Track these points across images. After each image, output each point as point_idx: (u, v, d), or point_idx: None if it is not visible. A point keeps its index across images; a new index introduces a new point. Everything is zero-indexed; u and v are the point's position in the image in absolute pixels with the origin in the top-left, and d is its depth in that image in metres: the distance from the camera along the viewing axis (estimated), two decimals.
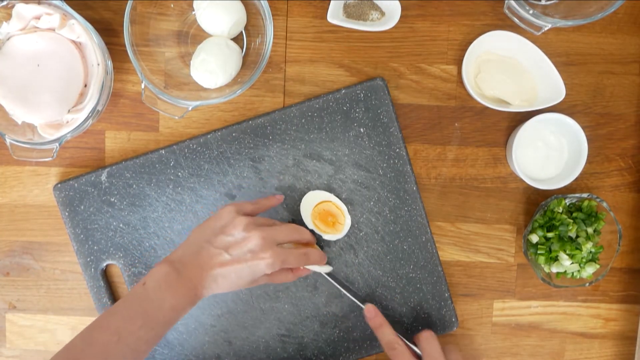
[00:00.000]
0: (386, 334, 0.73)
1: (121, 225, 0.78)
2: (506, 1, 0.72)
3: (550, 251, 0.76)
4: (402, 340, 0.72)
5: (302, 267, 0.74)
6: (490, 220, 0.80)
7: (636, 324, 0.81)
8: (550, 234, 0.75)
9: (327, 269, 0.76)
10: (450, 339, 0.81)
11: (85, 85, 0.74)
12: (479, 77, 0.78)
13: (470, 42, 0.76)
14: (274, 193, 0.78)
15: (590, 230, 0.76)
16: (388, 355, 0.72)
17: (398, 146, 0.77)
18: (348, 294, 0.77)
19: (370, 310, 0.74)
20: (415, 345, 0.73)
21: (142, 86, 0.72)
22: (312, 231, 0.78)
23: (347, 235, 0.78)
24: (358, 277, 0.78)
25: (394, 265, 0.78)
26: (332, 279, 0.77)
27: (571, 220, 0.75)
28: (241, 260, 0.66)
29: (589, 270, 0.76)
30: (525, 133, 0.76)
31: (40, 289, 0.81)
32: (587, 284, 0.76)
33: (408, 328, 0.79)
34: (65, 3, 0.70)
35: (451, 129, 0.79)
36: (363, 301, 0.77)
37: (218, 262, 0.65)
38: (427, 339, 0.72)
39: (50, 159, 0.73)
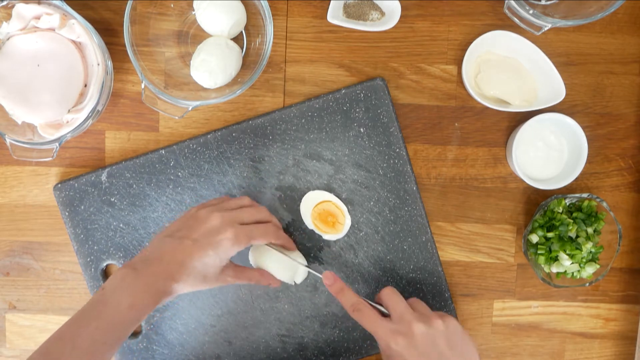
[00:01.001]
0: (348, 296, 0.69)
1: (121, 225, 0.79)
2: (506, 1, 0.72)
3: (550, 251, 0.76)
4: (366, 301, 0.69)
5: (270, 276, 0.73)
6: (490, 220, 0.80)
7: (636, 324, 0.81)
8: (550, 234, 0.75)
9: (302, 273, 0.76)
10: None
11: (85, 85, 0.74)
12: (479, 77, 0.78)
13: (470, 42, 0.76)
14: (274, 193, 0.78)
15: (590, 230, 0.76)
16: (354, 318, 0.68)
17: (398, 146, 0.78)
18: (309, 270, 0.75)
19: (328, 277, 0.70)
20: (380, 305, 0.70)
21: (142, 86, 0.72)
22: (312, 231, 0.78)
23: (347, 235, 0.78)
24: (358, 277, 0.78)
25: (394, 265, 0.78)
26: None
27: (571, 220, 0.75)
28: (203, 242, 0.64)
29: (589, 270, 0.76)
30: (525, 133, 0.76)
31: (40, 289, 0.81)
32: (587, 284, 0.76)
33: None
34: (65, 3, 0.70)
35: (451, 129, 0.79)
36: (320, 271, 0.74)
37: (179, 250, 0.64)
38: (390, 295, 0.69)
39: (50, 159, 0.73)
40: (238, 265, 0.70)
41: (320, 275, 0.73)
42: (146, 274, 0.63)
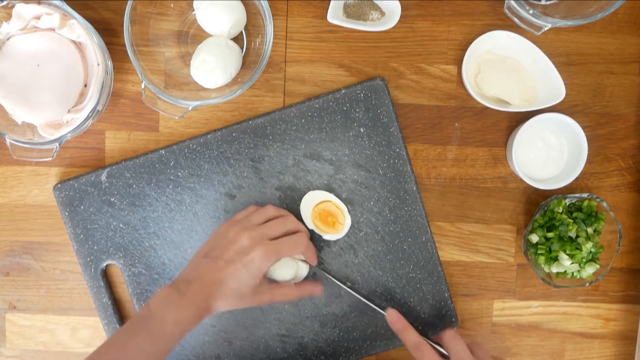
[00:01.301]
0: (411, 336, 0.72)
1: (121, 225, 0.79)
2: (506, 1, 0.72)
3: (550, 251, 0.76)
4: (427, 341, 0.72)
5: (307, 286, 0.74)
6: (490, 220, 0.80)
7: (636, 324, 0.81)
8: (550, 234, 0.75)
9: (303, 271, 0.76)
10: None
11: (85, 85, 0.74)
12: (479, 77, 0.78)
13: (470, 42, 0.76)
14: (273, 193, 0.78)
15: (590, 230, 0.76)
16: (415, 357, 0.71)
17: (398, 146, 0.77)
18: (369, 303, 0.76)
19: (392, 315, 0.74)
20: (439, 345, 0.72)
21: (142, 86, 0.72)
22: (312, 231, 0.78)
23: (347, 235, 0.78)
24: (358, 277, 0.78)
25: (394, 265, 0.78)
26: (354, 291, 0.77)
27: (571, 220, 0.75)
28: (235, 261, 0.68)
29: (589, 270, 0.76)
30: (525, 133, 0.76)
31: (40, 289, 0.81)
32: (587, 284, 0.76)
33: (422, 331, 0.78)
34: (65, 3, 0.70)
35: (451, 129, 0.79)
36: (382, 307, 0.76)
37: (214, 270, 0.68)
38: (453, 338, 0.71)
39: (50, 159, 0.73)
40: (274, 283, 0.73)
41: (383, 312, 0.75)
42: (187, 292, 0.67)
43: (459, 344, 0.70)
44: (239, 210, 0.78)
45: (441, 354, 0.71)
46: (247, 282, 0.68)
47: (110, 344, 0.65)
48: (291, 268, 0.74)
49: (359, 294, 0.77)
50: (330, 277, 0.77)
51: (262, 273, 0.69)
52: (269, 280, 0.74)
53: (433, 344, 0.72)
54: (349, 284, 0.78)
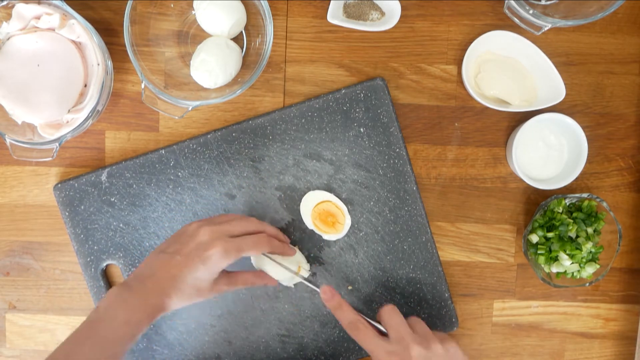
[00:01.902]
0: (346, 313, 0.68)
1: (121, 225, 0.79)
2: (506, 1, 0.72)
3: (550, 251, 0.76)
4: (364, 319, 0.69)
5: (265, 273, 0.73)
6: (490, 220, 0.80)
7: (636, 324, 0.81)
8: (550, 234, 0.75)
9: (303, 274, 0.75)
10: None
11: (85, 85, 0.74)
12: (479, 77, 0.78)
13: (470, 42, 0.76)
14: (273, 193, 0.78)
15: (590, 230, 0.76)
16: (351, 335, 0.68)
17: (398, 146, 0.78)
18: (306, 282, 0.75)
19: (326, 292, 0.69)
20: (379, 323, 0.70)
21: (142, 86, 0.72)
22: (312, 231, 0.78)
23: (347, 235, 0.78)
24: (358, 277, 0.78)
25: (394, 265, 0.78)
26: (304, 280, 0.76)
27: (571, 220, 0.75)
28: (192, 256, 0.65)
29: (589, 270, 0.76)
30: (525, 133, 0.76)
31: (40, 289, 0.81)
32: (587, 284, 0.76)
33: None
34: (65, 3, 0.70)
35: (451, 129, 0.79)
36: (318, 285, 0.74)
37: (170, 266, 0.65)
38: (389, 314, 0.68)
39: (50, 159, 0.73)
40: (231, 272, 0.71)
41: (317, 289, 0.72)
42: (140, 290, 0.63)
43: (398, 319, 0.67)
44: (239, 210, 0.78)
45: (380, 332, 0.68)
46: (205, 277, 0.65)
47: (56, 355, 0.61)
48: (288, 273, 0.74)
49: (306, 281, 0.75)
50: (305, 281, 0.76)
51: (220, 269, 0.66)
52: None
53: (372, 322, 0.69)
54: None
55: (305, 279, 0.75)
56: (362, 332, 0.67)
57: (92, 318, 0.63)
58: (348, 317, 0.68)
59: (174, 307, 0.65)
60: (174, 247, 0.66)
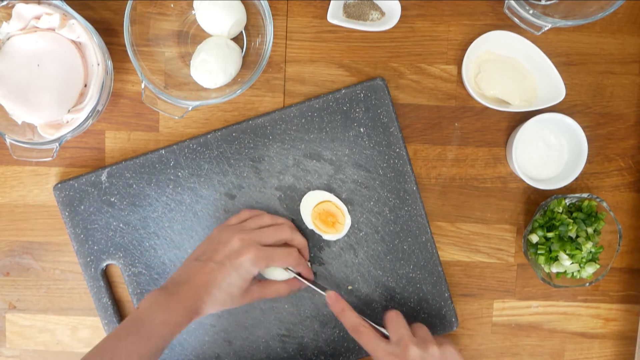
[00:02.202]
0: (350, 317, 0.71)
1: (121, 225, 0.79)
2: (506, 1, 0.72)
3: (550, 251, 0.76)
4: (367, 322, 0.71)
5: (296, 279, 0.75)
6: (490, 220, 0.80)
7: (636, 324, 0.81)
8: (550, 234, 0.75)
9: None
10: (450, 339, 0.81)
11: (85, 85, 0.74)
12: (479, 77, 0.78)
13: (470, 42, 0.76)
14: (274, 193, 0.78)
15: (590, 230, 0.76)
16: (355, 338, 0.70)
17: (398, 146, 0.78)
18: (312, 286, 0.75)
19: (331, 297, 0.73)
20: (381, 327, 0.72)
21: (142, 86, 0.72)
22: (311, 231, 0.78)
23: (347, 235, 0.78)
24: (358, 277, 0.78)
25: (394, 265, 0.78)
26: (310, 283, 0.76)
27: (571, 220, 0.75)
28: (225, 263, 0.68)
29: (589, 270, 0.76)
30: (525, 133, 0.76)
31: (40, 289, 0.81)
32: (587, 284, 0.76)
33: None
34: (65, 3, 0.70)
35: (451, 129, 0.79)
36: (324, 288, 0.75)
37: (205, 272, 0.68)
38: (392, 318, 0.71)
39: (50, 159, 0.73)
40: (263, 281, 0.74)
41: (323, 293, 0.74)
42: (177, 294, 0.67)
43: (400, 323, 0.70)
44: (239, 210, 0.78)
45: (383, 335, 0.71)
46: (237, 284, 0.69)
47: (100, 347, 0.65)
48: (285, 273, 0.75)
49: (309, 282, 0.76)
50: (310, 284, 0.76)
51: (251, 276, 0.69)
52: (258, 278, 0.74)
53: (375, 325, 0.72)
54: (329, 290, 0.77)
55: (311, 283, 0.75)
56: (364, 335, 0.70)
57: (133, 317, 0.66)
58: (351, 321, 0.71)
59: (209, 311, 0.69)
60: (207, 255, 0.70)
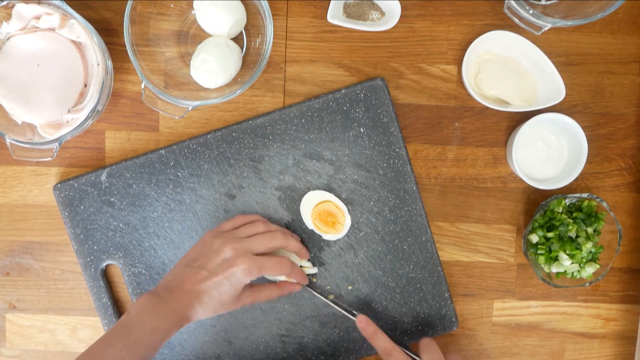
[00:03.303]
0: (381, 341, 0.72)
1: (121, 225, 0.79)
2: (506, 1, 0.72)
3: (550, 251, 0.76)
4: (398, 347, 0.72)
5: (289, 281, 0.75)
6: (490, 220, 0.80)
7: (636, 324, 0.81)
8: (550, 234, 0.75)
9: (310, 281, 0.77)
10: (450, 339, 0.81)
11: (85, 85, 0.74)
12: (479, 77, 0.78)
13: (470, 42, 0.76)
14: (273, 193, 0.78)
15: (590, 230, 0.76)
16: None
17: (398, 146, 0.77)
18: (337, 307, 0.77)
19: (362, 321, 0.74)
20: (411, 351, 0.73)
21: (142, 86, 0.72)
22: (311, 231, 0.78)
23: (347, 235, 0.78)
24: (358, 277, 0.78)
25: (394, 265, 0.78)
26: (319, 294, 0.77)
27: (571, 220, 0.75)
28: (217, 272, 0.68)
29: (589, 270, 0.76)
30: (525, 133, 0.76)
31: (40, 289, 0.81)
32: (587, 284, 0.76)
33: (408, 329, 0.79)
34: (65, 3, 0.70)
35: (451, 129, 0.79)
36: (352, 312, 0.76)
37: (197, 280, 0.68)
38: (426, 345, 0.72)
39: (50, 159, 0.73)
40: (255, 285, 0.73)
41: (353, 318, 0.75)
42: (168, 300, 0.67)
43: (433, 351, 0.71)
44: (239, 210, 0.78)
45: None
46: (228, 292, 0.69)
47: (89, 352, 0.65)
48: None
49: (337, 305, 0.77)
50: (310, 290, 0.77)
51: (242, 285, 0.69)
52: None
53: (405, 350, 0.72)
54: (331, 296, 0.78)
55: (337, 304, 0.77)
56: (394, 358, 0.71)
57: (123, 322, 0.66)
58: (383, 345, 0.72)
59: (200, 317, 0.69)
60: (199, 262, 0.70)
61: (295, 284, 0.76)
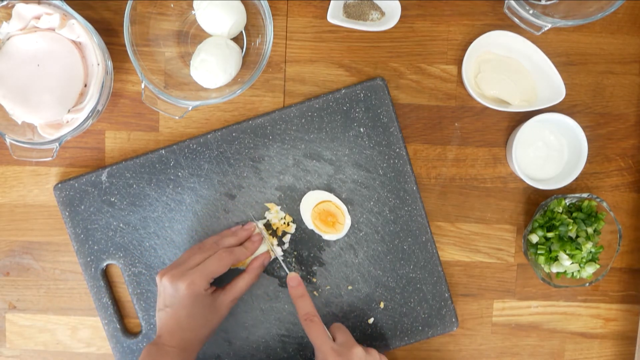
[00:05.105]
0: (306, 304, 0.73)
1: (121, 225, 0.79)
2: (506, 1, 0.72)
3: (550, 251, 0.76)
4: (319, 316, 0.73)
5: (255, 260, 0.76)
6: (490, 220, 0.80)
7: (636, 324, 0.81)
8: (550, 234, 0.75)
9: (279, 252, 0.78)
10: (450, 339, 0.81)
11: (85, 85, 0.74)
12: (479, 77, 0.78)
13: (470, 42, 0.76)
14: (273, 193, 0.78)
15: (590, 230, 0.76)
16: (303, 326, 0.72)
17: (398, 146, 0.78)
18: (281, 261, 0.77)
19: (293, 279, 0.74)
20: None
21: (142, 86, 0.72)
22: (312, 231, 0.78)
23: (347, 235, 0.78)
24: (358, 277, 0.78)
25: (394, 265, 0.78)
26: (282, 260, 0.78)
27: (571, 220, 0.75)
28: (174, 304, 0.70)
29: (589, 270, 0.76)
30: (525, 133, 0.76)
31: (40, 289, 0.81)
32: (587, 284, 0.76)
33: (408, 329, 0.79)
34: (65, 3, 0.70)
35: (451, 129, 0.79)
36: (289, 268, 0.77)
37: (167, 319, 0.70)
38: (339, 326, 0.73)
39: (50, 159, 0.73)
40: (225, 285, 0.74)
41: (287, 272, 0.76)
42: (164, 345, 0.70)
43: (345, 331, 0.73)
44: (239, 210, 0.78)
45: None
46: (198, 312, 0.70)
47: None
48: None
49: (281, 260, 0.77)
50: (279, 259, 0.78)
51: (205, 291, 0.70)
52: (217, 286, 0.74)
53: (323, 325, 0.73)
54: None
55: (282, 260, 0.77)
56: (315, 326, 0.71)
57: None
58: (306, 309, 0.73)
59: (199, 345, 0.71)
60: (160, 303, 0.72)
61: (258, 257, 0.75)
